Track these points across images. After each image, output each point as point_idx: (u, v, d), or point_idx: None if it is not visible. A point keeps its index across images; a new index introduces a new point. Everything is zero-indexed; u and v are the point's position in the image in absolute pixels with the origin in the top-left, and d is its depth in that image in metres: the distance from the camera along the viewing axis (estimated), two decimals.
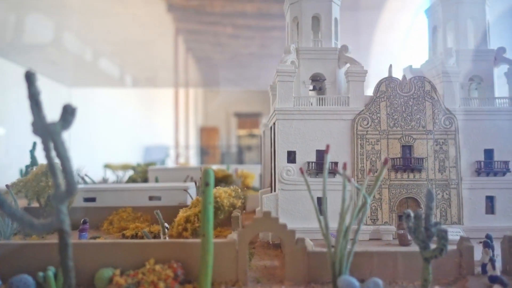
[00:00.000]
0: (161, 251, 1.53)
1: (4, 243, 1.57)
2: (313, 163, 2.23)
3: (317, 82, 2.39)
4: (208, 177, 1.41)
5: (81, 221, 2.19)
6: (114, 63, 8.30)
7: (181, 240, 1.61)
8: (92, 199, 2.81)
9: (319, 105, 2.27)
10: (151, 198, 2.84)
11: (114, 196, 2.83)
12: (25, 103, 1.19)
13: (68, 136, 1.22)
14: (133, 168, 4.80)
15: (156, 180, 3.76)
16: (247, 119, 21.16)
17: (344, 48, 2.33)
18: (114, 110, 8.55)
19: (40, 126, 1.20)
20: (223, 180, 3.48)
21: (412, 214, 1.32)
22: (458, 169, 2.22)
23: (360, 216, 1.42)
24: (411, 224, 1.32)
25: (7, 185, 2.30)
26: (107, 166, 5.18)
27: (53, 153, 1.19)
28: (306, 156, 2.24)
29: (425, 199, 1.38)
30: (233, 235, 1.68)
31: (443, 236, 1.23)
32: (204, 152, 15.39)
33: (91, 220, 2.44)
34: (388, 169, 2.22)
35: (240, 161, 11.80)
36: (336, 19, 2.42)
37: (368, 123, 2.24)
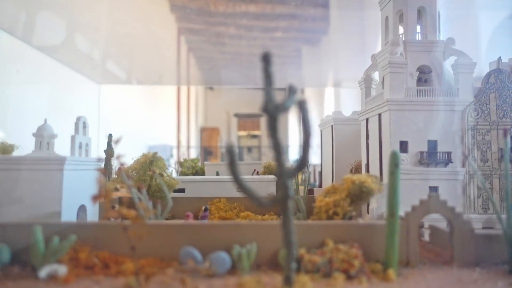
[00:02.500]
0: (336, 232, 1.55)
1: (204, 224, 1.59)
2: (425, 153, 2.27)
3: (423, 74, 2.44)
4: (397, 159, 1.44)
5: (203, 209, 2.20)
6: (118, 62, 8.22)
7: (356, 222, 1.63)
8: (182, 190, 2.82)
9: (428, 96, 2.31)
10: (239, 189, 2.85)
11: (202, 187, 2.84)
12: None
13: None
14: (180, 163, 4.80)
15: (217, 174, 3.78)
16: (248, 120, 21.18)
17: (451, 40, 2.38)
18: (120, 108, 8.48)
19: (271, 104, 1.22)
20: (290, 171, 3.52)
21: None
22: None
23: None
24: None
25: (119, 169, 2.30)
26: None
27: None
28: (418, 146, 2.28)
29: None
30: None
31: None
32: (208, 152, 15.37)
33: (181, 209, 2.46)
34: (498, 160, 2.27)
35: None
36: (439, 12, 2.46)
37: (478, 114, 2.29)
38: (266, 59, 1.20)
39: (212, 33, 13.69)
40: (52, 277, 1.36)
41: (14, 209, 1.90)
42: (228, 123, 20.97)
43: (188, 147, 13.40)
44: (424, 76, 2.45)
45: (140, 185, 1.90)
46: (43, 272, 1.34)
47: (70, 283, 1.33)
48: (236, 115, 20.83)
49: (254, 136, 21.12)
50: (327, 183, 3.54)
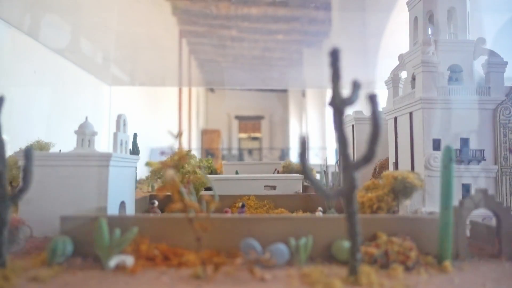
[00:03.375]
0: (386, 225, 1.59)
1: (263, 216, 1.62)
2: (458, 151, 2.31)
3: (453, 73, 2.48)
4: (451, 154, 1.48)
5: (240, 205, 2.23)
6: (121, 64, 8.24)
7: (406, 215, 1.67)
8: (209, 188, 2.84)
9: (459, 95, 2.36)
10: (266, 187, 2.89)
11: (230, 185, 2.87)
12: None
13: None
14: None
15: (236, 173, 3.82)
16: (249, 122, 21.19)
17: (481, 40, 2.42)
18: (122, 110, 8.49)
19: (338, 99, 1.26)
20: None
21: None
22: None
23: None
24: None
25: (164, 165, 2.33)
26: (148, 164, 5.19)
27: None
28: (451, 144, 2.31)
29: None
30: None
31: None
32: (210, 154, 15.41)
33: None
34: None
35: None
36: (468, 12, 2.51)
37: (510, 113, 2.34)
38: (334, 54, 1.24)
39: (213, 36, 13.72)
40: (119, 268, 1.39)
41: (61, 204, 1.93)
42: (229, 125, 20.99)
43: (190, 149, 13.38)
44: (454, 75, 2.49)
45: (187, 181, 1.93)
46: (112, 262, 1.37)
47: (137, 273, 1.36)
48: (237, 117, 20.88)
49: (255, 138, 21.17)
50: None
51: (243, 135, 21.02)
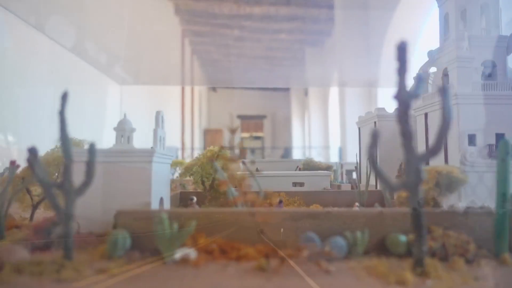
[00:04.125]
0: (438, 219, 1.60)
1: (322, 210, 1.63)
2: (494, 146, 2.32)
3: (487, 69, 2.49)
4: (508, 147, 1.50)
5: (278, 201, 2.24)
6: (124, 64, 8.24)
7: (459, 209, 1.68)
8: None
9: (494, 90, 2.37)
10: (294, 184, 2.90)
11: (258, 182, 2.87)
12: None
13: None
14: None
15: (257, 170, 3.82)
16: (251, 122, 21.21)
17: None
18: (126, 109, 8.48)
19: (404, 92, 1.27)
20: (327, 168, 3.58)
21: None
22: None
23: None
24: None
25: (212, 161, 2.34)
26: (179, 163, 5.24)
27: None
28: (486, 139, 2.33)
29: None
30: None
31: None
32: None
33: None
34: None
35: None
36: (500, 8, 2.52)
37: None
38: (401, 48, 1.25)
39: (216, 35, 13.74)
40: (180, 261, 1.39)
41: (105, 200, 1.93)
42: (231, 124, 20.99)
43: (192, 149, 13.43)
44: (487, 71, 2.50)
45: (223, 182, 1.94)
46: (177, 255, 1.37)
47: (200, 266, 1.37)
48: (239, 116, 20.89)
49: (257, 138, 21.18)
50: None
51: (245, 135, 21.03)
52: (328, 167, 3.71)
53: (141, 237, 1.54)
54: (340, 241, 1.47)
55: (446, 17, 2.61)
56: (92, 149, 1.36)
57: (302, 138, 18.60)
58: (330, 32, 13.30)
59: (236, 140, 1.63)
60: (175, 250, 1.40)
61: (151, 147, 2.10)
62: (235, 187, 1.86)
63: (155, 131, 2.14)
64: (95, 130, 5.53)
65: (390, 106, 4.01)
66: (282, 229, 1.56)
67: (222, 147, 2.56)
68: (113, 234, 1.47)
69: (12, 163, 1.72)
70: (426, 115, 2.67)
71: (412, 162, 1.29)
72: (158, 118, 2.17)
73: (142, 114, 8.90)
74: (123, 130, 2.12)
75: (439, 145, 1.27)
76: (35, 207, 2.23)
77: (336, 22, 11.96)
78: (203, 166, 2.53)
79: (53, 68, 4.58)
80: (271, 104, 20.23)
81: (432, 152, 1.27)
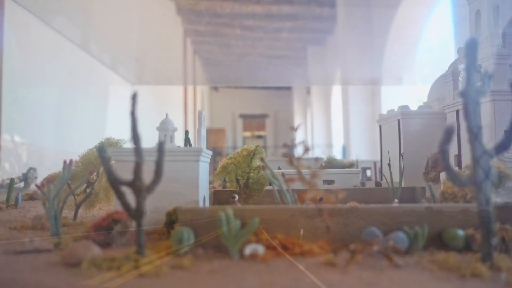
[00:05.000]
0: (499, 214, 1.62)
1: (380, 206, 1.65)
2: None
3: None
4: None
5: (319, 199, 2.26)
6: (127, 64, 8.25)
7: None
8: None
9: None
10: (325, 181, 2.92)
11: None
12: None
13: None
14: None
15: (279, 169, 3.85)
16: (253, 121, 21.18)
17: None
18: (124, 110, 8.47)
19: (472, 89, 1.29)
20: (350, 166, 3.63)
21: None
22: None
23: None
24: None
25: (262, 159, 2.35)
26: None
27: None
28: None
29: None
30: None
31: None
32: (217, 153, 15.42)
33: (271, 201, 2.52)
34: None
35: None
36: None
37: None
38: (470, 45, 1.27)
39: (218, 35, 13.69)
40: (246, 257, 1.42)
41: (154, 198, 1.94)
42: (234, 124, 21.00)
43: (258, 145, 13.57)
44: None
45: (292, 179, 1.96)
46: (247, 251, 1.40)
47: (268, 262, 1.39)
48: (242, 115, 20.89)
49: (259, 137, 21.20)
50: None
51: (247, 134, 21.04)
52: (351, 165, 3.75)
53: (201, 234, 1.56)
54: (402, 236, 1.49)
55: (478, 14, 2.63)
56: (161, 148, 1.38)
57: (304, 137, 18.63)
58: (332, 30, 13.33)
59: (297, 139, 1.63)
60: (240, 246, 1.43)
61: (192, 146, 2.12)
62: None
63: (198, 131, 2.16)
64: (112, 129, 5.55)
65: (394, 104, 4.03)
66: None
67: (258, 146, 2.58)
68: (178, 230, 1.49)
69: (70, 162, 1.74)
70: (457, 112, 2.70)
71: (480, 159, 1.32)
72: (201, 118, 2.20)
73: (145, 114, 8.92)
74: (166, 129, 2.14)
75: (510, 140, 1.29)
76: (78, 206, 2.25)
77: (339, 20, 12.00)
78: (239, 165, 2.55)
79: (72, 68, 4.59)
80: (273, 103, 20.25)
81: (502, 147, 1.30)
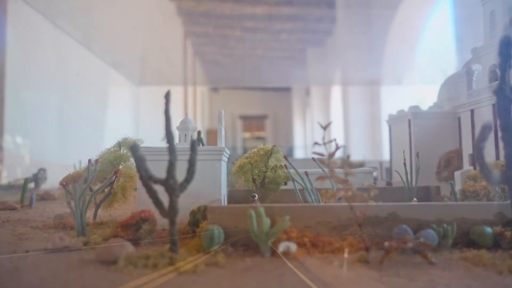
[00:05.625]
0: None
1: (409, 204, 1.66)
2: None
3: None
4: None
5: (337, 198, 2.26)
6: (127, 65, 8.24)
7: None
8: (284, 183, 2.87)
9: None
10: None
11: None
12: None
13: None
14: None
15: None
16: (252, 122, 21.20)
17: None
18: (129, 110, 8.48)
19: (507, 87, 1.30)
20: (360, 166, 3.65)
21: None
22: None
23: None
24: None
25: (285, 157, 2.36)
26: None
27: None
28: None
29: None
30: None
31: None
32: None
33: (286, 200, 2.53)
34: None
35: None
36: None
37: None
38: (505, 42, 1.28)
39: (218, 36, 13.67)
40: (277, 254, 1.42)
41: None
42: (233, 125, 21.00)
43: (275, 144, 13.62)
44: None
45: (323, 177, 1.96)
46: (281, 248, 1.40)
47: (300, 259, 1.39)
48: (241, 117, 20.89)
49: (259, 138, 21.19)
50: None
51: (247, 135, 21.05)
52: (361, 164, 3.76)
53: (230, 232, 1.56)
54: (432, 233, 1.50)
55: (492, 14, 2.65)
56: (193, 147, 1.39)
57: (304, 137, 18.62)
58: (331, 31, 13.36)
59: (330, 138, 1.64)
60: (271, 244, 1.43)
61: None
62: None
63: (219, 130, 2.17)
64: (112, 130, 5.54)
65: (393, 104, 4.05)
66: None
67: (274, 145, 2.58)
68: (209, 229, 1.49)
69: (95, 161, 1.74)
70: (472, 111, 2.71)
71: None
72: (220, 117, 2.20)
73: (145, 114, 8.91)
74: (187, 129, 2.14)
75: None
76: (97, 206, 2.25)
77: (338, 21, 12.02)
78: (256, 164, 2.55)
79: (81, 69, 4.59)
80: (273, 104, 20.26)
81: None
